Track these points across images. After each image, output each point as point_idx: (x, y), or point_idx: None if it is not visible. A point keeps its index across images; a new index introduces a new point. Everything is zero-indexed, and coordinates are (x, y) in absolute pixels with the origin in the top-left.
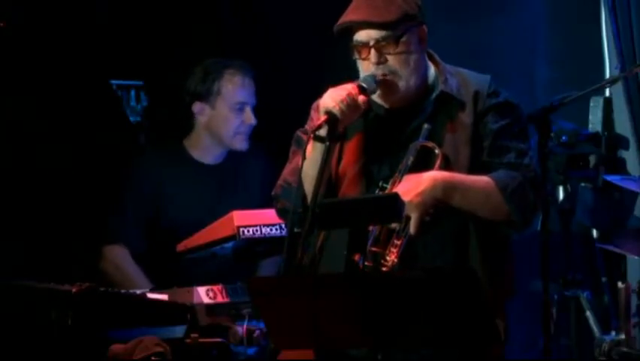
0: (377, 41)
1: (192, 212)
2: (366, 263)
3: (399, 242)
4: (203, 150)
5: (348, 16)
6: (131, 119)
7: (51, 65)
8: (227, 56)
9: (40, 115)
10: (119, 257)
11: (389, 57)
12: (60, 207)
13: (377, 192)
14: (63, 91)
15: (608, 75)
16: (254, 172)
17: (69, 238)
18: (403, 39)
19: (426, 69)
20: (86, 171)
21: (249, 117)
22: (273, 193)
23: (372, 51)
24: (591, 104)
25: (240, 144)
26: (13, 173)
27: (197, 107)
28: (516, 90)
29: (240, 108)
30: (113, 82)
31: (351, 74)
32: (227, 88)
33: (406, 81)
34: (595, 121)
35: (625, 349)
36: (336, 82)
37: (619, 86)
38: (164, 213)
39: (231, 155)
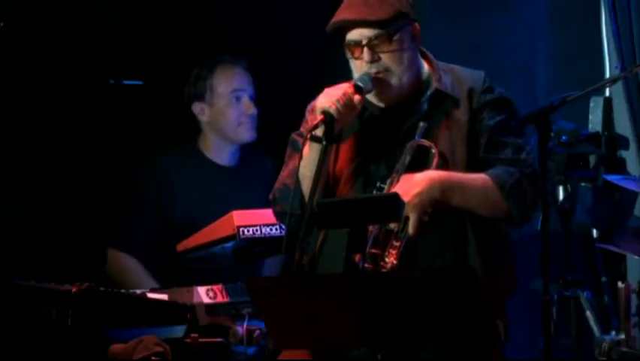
0: (370, 40)
1: (206, 213)
2: (365, 265)
3: (398, 243)
4: (214, 150)
5: (341, 14)
6: (131, 119)
7: (52, 65)
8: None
9: (42, 115)
10: (124, 264)
11: (382, 55)
12: (64, 208)
13: (375, 192)
14: (64, 91)
15: (608, 75)
16: (269, 173)
17: (72, 238)
18: (396, 37)
19: (419, 67)
20: (88, 172)
21: (248, 106)
22: (270, 197)
23: (366, 50)
24: (591, 104)
25: (246, 135)
26: (15, 173)
27: (196, 108)
28: (516, 90)
29: (237, 98)
30: (113, 82)
31: (349, 75)
32: (219, 81)
33: (399, 78)
34: (595, 121)
35: (625, 349)
36: (337, 82)
37: (619, 86)
38: (177, 213)
39: (246, 156)
